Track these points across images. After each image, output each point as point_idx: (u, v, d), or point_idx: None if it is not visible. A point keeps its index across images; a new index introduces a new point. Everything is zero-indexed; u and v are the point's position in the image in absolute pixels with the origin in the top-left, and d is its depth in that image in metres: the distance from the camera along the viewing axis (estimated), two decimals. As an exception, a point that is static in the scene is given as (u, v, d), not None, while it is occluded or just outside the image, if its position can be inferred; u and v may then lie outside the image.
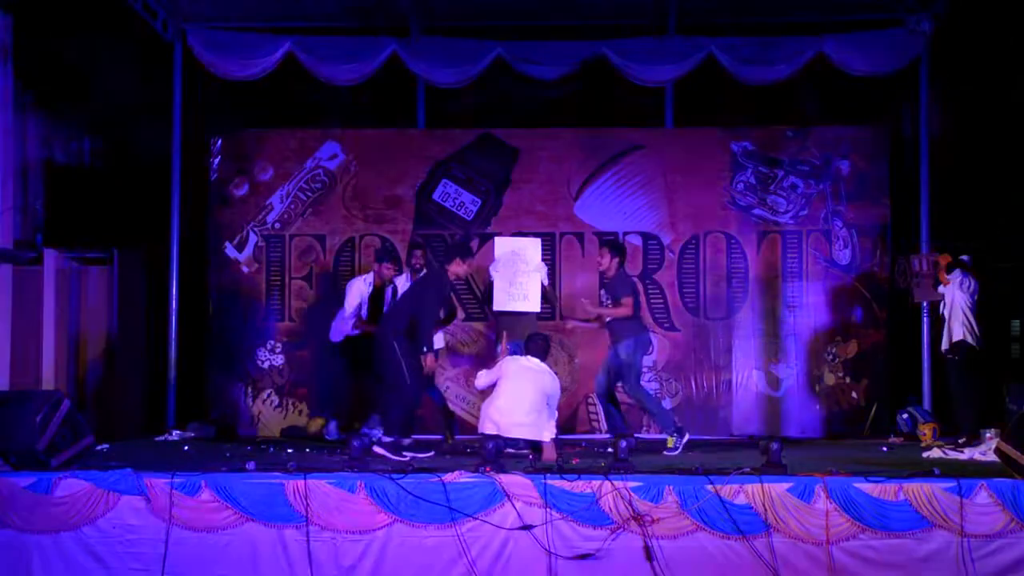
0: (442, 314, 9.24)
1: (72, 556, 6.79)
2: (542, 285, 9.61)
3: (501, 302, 9.59)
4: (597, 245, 10.55)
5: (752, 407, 11.06)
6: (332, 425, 10.05)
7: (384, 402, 8.73)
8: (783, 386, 11.06)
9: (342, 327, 9.90)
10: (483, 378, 8.56)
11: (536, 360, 8.44)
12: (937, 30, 10.13)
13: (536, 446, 8.16)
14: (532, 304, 9.58)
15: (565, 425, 9.60)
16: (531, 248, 9.77)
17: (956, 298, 9.25)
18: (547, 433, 8.16)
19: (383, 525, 6.75)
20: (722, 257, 11.14)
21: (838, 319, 11.04)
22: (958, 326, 9.23)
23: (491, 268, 9.76)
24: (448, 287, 9.10)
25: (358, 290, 9.85)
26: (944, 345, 9.37)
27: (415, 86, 11.16)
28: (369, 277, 9.94)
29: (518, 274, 9.56)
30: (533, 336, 8.72)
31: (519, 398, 8.16)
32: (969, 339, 9.16)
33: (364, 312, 9.78)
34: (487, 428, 8.06)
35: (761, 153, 11.14)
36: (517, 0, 10.47)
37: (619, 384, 9.24)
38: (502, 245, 9.86)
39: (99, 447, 8.15)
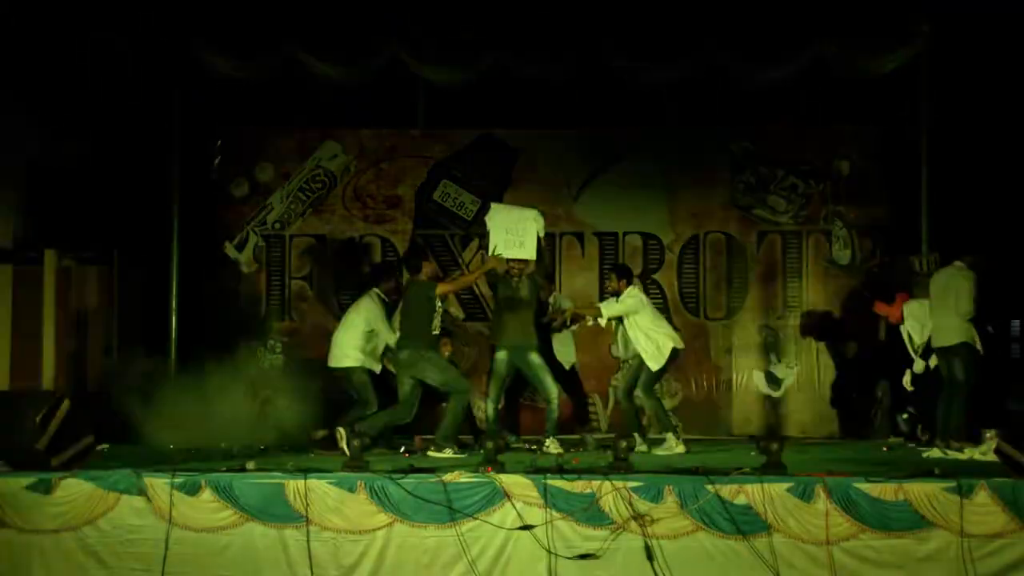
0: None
1: (72, 556, 6.81)
2: (538, 236, 9.14)
3: (497, 249, 9.11)
4: (598, 246, 10.75)
5: (752, 407, 11.07)
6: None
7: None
8: (783, 386, 11.06)
9: None
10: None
11: None
12: (936, 29, 10.07)
13: None
14: (528, 252, 9.10)
15: (564, 424, 9.57)
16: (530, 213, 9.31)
17: None
18: None
19: (383, 525, 6.76)
20: (722, 257, 11.14)
21: (838, 319, 11.03)
22: None
23: (486, 217, 9.37)
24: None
25: None
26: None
27: (415, 86, 11.12)
28: None
29: (514, 221, 9.17)
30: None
31: None
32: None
33: None
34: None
35: (761, 153, 11.13)
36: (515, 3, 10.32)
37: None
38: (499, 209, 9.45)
39: (100, 447, 8.14)
